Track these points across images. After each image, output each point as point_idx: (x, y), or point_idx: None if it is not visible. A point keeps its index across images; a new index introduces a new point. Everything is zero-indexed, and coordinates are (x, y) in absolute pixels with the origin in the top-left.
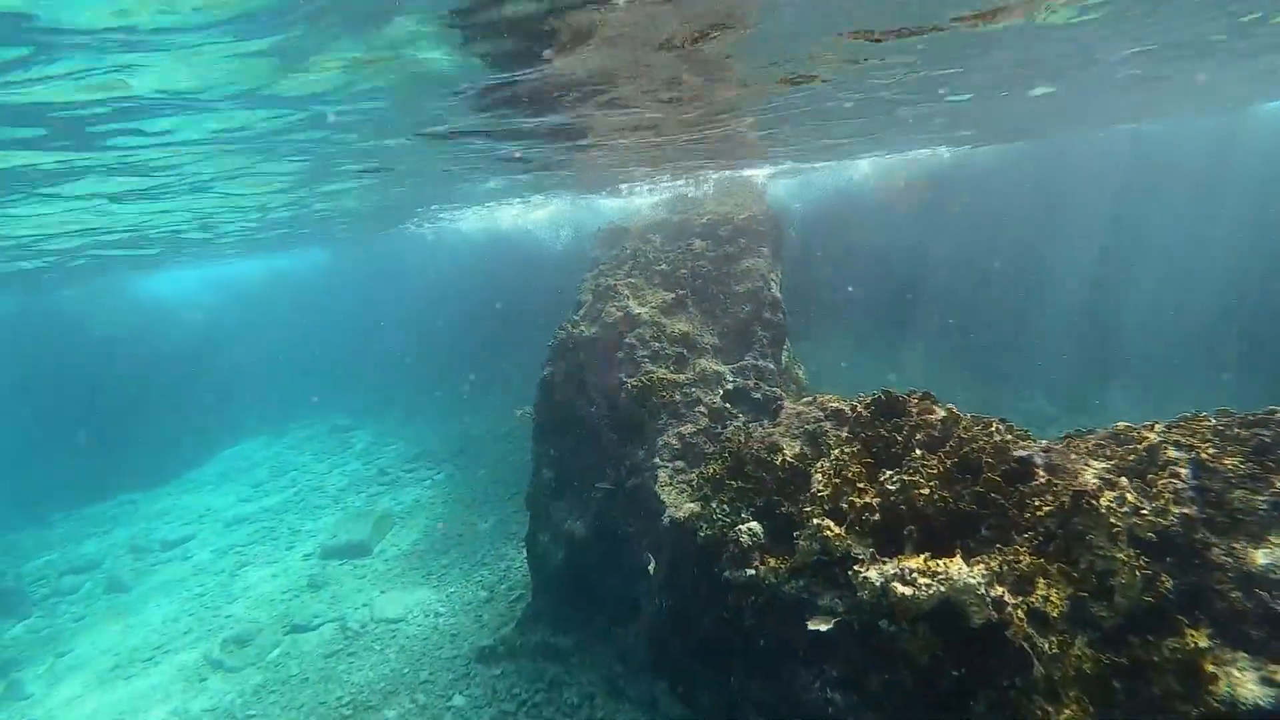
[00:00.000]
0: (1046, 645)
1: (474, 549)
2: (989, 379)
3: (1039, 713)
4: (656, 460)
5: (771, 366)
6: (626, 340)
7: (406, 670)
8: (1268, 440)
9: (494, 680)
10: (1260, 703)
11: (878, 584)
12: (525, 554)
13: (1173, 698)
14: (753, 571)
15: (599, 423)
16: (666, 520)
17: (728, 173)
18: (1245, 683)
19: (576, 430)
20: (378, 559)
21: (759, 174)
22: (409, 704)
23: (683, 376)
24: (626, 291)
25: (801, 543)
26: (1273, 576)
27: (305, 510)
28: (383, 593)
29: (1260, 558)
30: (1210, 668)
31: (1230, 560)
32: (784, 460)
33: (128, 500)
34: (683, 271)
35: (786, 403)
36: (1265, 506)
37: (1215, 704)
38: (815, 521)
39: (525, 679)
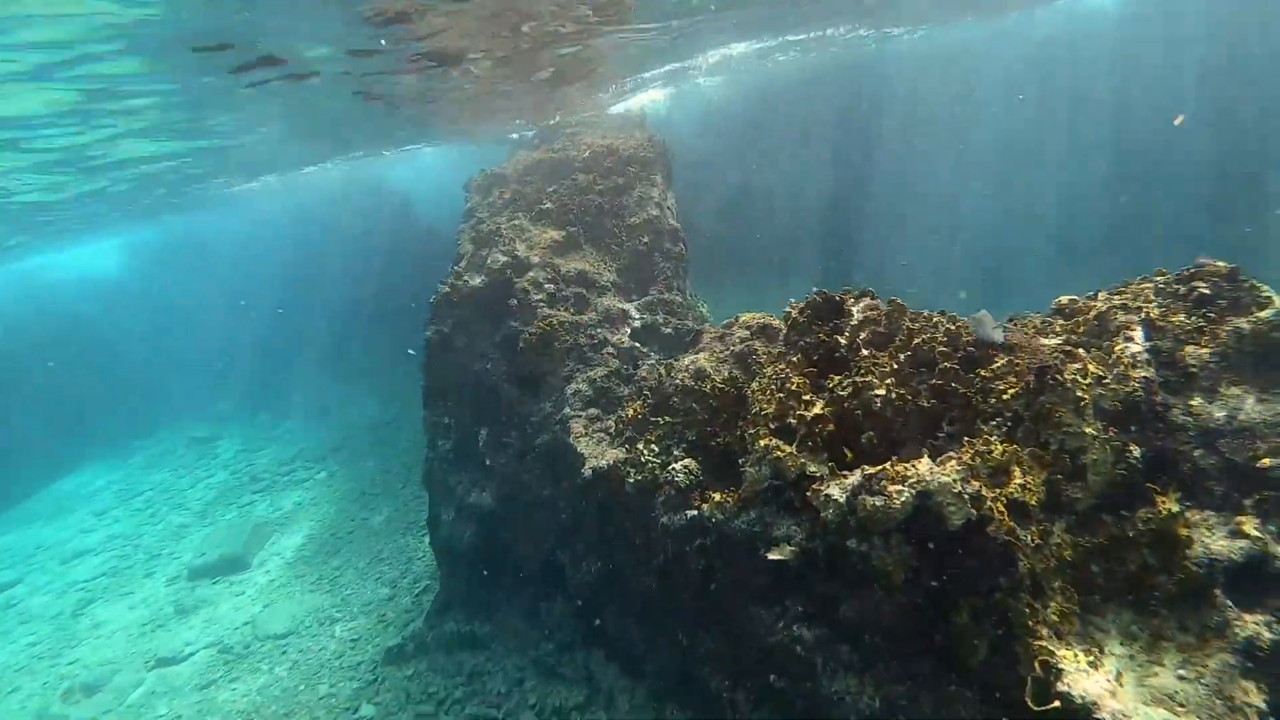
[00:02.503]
0: (1029, 538)
1: (369, 545)
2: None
3: (1026, 611)
4: (567, 411)
5: (679, 299)
6: (518, 286)
7: (302, 687)
8: (1207, 292)
9: (405, 682)
10: (1234, 556)
11: (842, 500)
12: (428, 540)
13: (1150, 571)
14: (694, 512)
15: (496, 379)
16: (588, 473)
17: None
18: (1217, 540)
19: (471, 391)
20: (257, 571)
21: (641, 99)
22: None
23: (585, 318)
24: (511, 234)
25: (749, 469)
26: (1230, 429)
27: (165, 532)
28: (266, 607)
29: (1216, 411)
30: (1183, 532)
31: (1190, 419)
32: (714, 386)
33: None
34: (570, 208)
35: (706, 328)
36: (1214, 359)
37: (1193, 568)
38: (763, 443)
39: (442, 675)
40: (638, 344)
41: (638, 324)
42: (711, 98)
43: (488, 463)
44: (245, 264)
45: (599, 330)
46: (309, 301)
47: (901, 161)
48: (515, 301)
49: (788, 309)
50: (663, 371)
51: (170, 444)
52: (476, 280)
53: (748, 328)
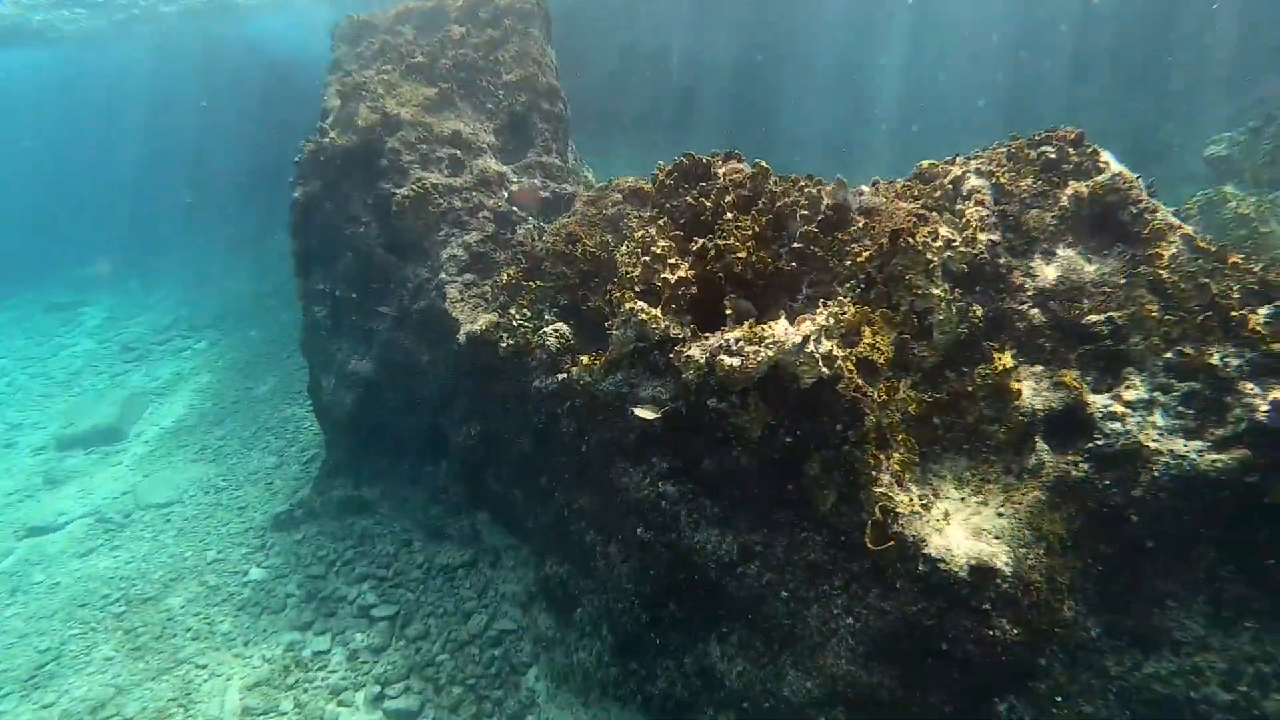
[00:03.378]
0: (875, 394)
1: (254, 415)
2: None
3: (871, 461)
4: (443, 276)
5: (558, 162)
6: (389, 145)
7: (189, 553)
8: (1053, 156)
9: (295, 546)
10: (1054, 405)
11: (702, 361)
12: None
13: (984, 422)
14: (565, 375)
15: (370, 244)
16: (463, 337)
17: None
18: (1041, 391)
19: (344, 256)
20: (135, 442)
21: None
22: (197, 588)
23: (460, 180)
24: (381, 90)
25: (615, 332)
26: (1061, 288)
27: (25, 401)
28: (146, 477)
29: (1051, 272)
30: (1015, 385)
31: (1029, 280)
32: (585, 250)
33: None
34: (444, 63)
35: (580, 191)
36: (1054, 222)
37: (1020, 418)
38: (628, 306)
39: (331, 539)
40: (516, 208)
41: (515, 187)
42: None
43: (366, 329)
44: (110, 114)
45: (475, 194)
46: (179, 163)
47: (807, 19)
48: (386, 162)
49: (656, 171)
50: (536, 235)
51: (24, 310)
52: (345, 138)
53: (620, 191)
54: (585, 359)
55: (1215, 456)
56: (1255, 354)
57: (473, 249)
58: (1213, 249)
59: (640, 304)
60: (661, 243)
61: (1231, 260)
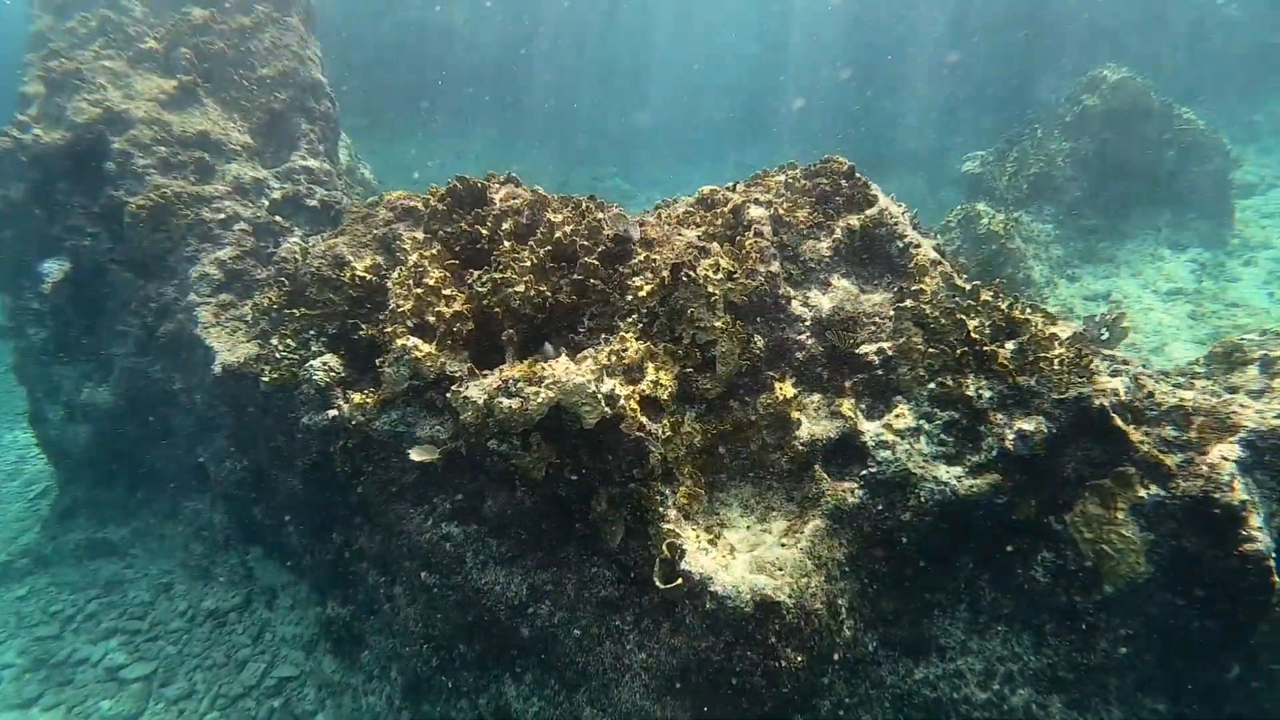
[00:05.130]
0: (660, 430)
1: None
2: (571, 161)
3: (657, 497)
4: (194, 297)
5: (326, 166)
6: (116, 147)
7: None
8: (827, 189)
9: (18, 604)
10: (831, 435)
11: (481, 403)
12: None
13: (767, 450)
14: (336, 412)
15: (101, 258)
16: (218, 369)
17: None
18: (820, 420)
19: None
20: None
21: None
22: None
23: (210, 189)
24: (103, 80)
25: (387, 370)
26: (837, 319)
27: None
28: None
29: (827, 303)
30: (795, 415)
31: (807, 311)
32: (354, 275)
33: None
34: (184, 51)
35: (350, 206)
36: (829, 253)
37: (800, 447)
38: (400, 343)
39: (70, 589)
40: (278, 218)
41: (277, 195)
42: None
43: (101, 354)
44: None
45: (229, 202)
46: None
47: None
48: (114, 167)
49: (427, 195)
50: (299, 256)
51: None
52: (56, 135)
53: (392, 209)
54: (357, 396)
55: (972, 481)
56: (1004, 386)
57: (227, 266)
58: (968, 286)
59: (413, 340)
60: (435, 273)
61: (984, 298)
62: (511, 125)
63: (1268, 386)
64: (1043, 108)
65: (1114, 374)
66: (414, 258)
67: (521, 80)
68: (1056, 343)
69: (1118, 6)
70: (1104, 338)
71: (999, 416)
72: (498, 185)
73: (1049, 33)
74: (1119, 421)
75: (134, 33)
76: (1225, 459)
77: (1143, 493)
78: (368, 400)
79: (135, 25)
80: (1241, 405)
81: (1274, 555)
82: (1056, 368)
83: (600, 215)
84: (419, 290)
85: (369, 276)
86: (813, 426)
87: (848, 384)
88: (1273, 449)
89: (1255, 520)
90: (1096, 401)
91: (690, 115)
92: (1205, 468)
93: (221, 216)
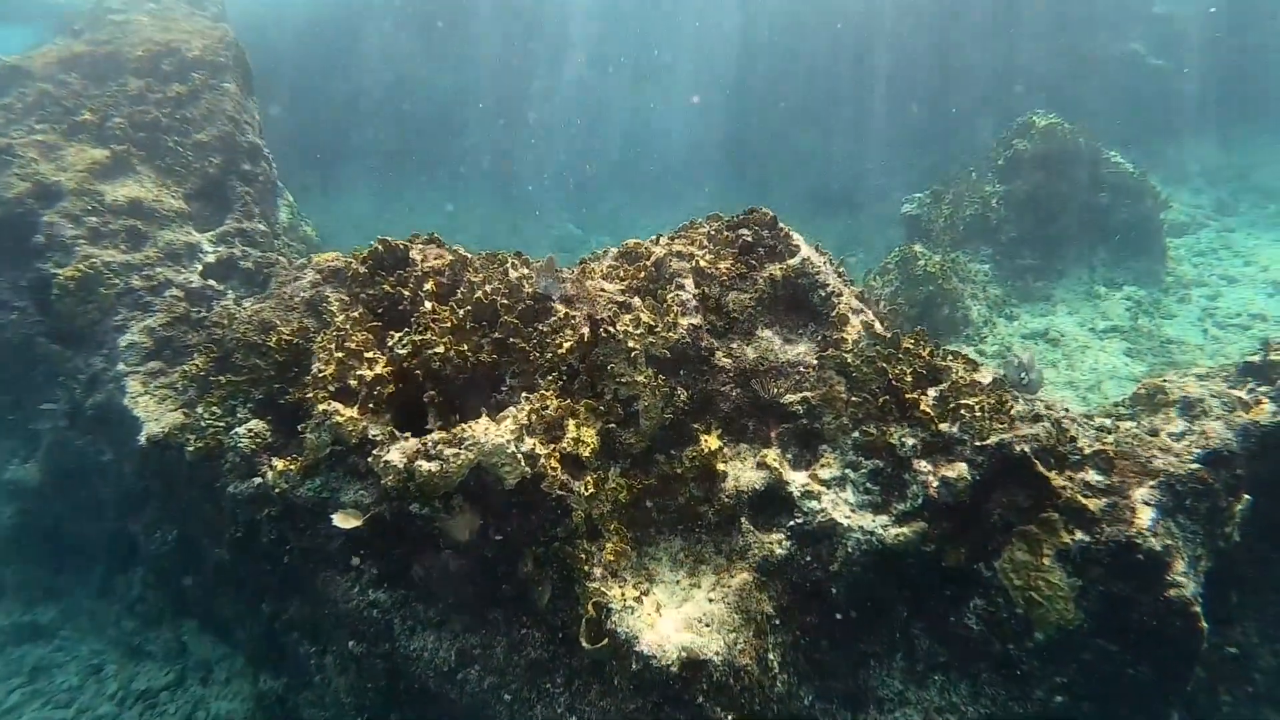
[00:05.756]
0: (583, 487)
1: None
2: (523, 209)
3: (583, 555)
4: (122, 366)
5: (262, 228)
6: (46, 220)
7: None
8: (749, 240)
9: None
10: (757, 486)
11: (401, 466)
12: None
13: (694, 503)
14: (260, 480)
15: (30, 331)
16: (144, 440)
17: None
18: (746, 471)
19: None
20: None
21: None
22: None
23: (141, 256)
24: (35, 154)
25: (309, 435)
26: (761, 369)
27: None
28: None
29: (751, 353)
30: (721, 467)
31: (731, 362)
32: (280, 340)
33: None
34: (119, 121)
35: (279, 268)
36: (753, 304)
37: (727, 499)
38: (321, 408)
39: None
40: (212, 282)
41: (211, 259)
42: None
43: (27, 430)
44: None
45: (160, 269)
46: None
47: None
48: (42, 239)
49: (350, 258)
50: (227, 320)
51: None
52: None
53: (319, 271)
54: (281, 463)
55: (898, 530)
56: (927, 434)
57: (157, 334)
58: (888, 335)
59: (335, 405)
60: (357, 336)
61: (905, 345)
62: (465, 177)
63: (1188, 429)
64: (978, 152)
65: (1035, 419)
66: (339, 320)
67: (474, 131)
68: (978, 389)
69: (1050, 57)
70: (1024, 382)
71: (923, 464)
72: (420, 246)
73: (986, 81)
74: (1041, 467)
75: (71, 105)
76: (1147, 504)
77: (1068, 539)
78: (291, 467)
79: (74, 97)
80: (1162, 449)
81: (1200, 600)
82: (978, 414)
83: (523, 272)
84: (340, 354)
85: (295, 340)
86: (739, 478)
87: (773, 434)
88: (1193, 493)
89: (1180, 565)
90: (1018, 448)
91: (645, 158)
92: (1128, 513)
93: (153, 283)
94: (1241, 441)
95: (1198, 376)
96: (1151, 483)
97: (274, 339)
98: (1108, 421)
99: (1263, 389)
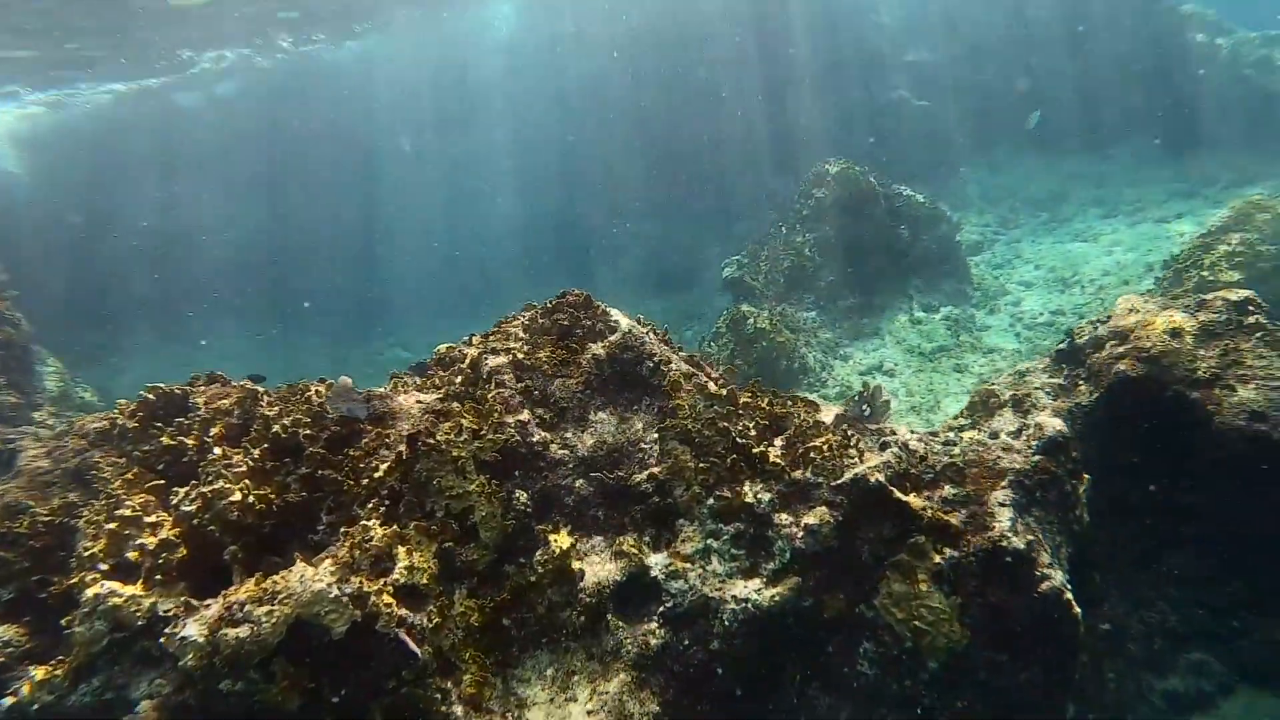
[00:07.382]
0: (425, 620)
1: None
2: (348, 339)
3: (437, 695)
4: None
5: (11, 399)
6: None
7: None
8: (566, 324)
9: None
10: (618, 577)
11: (202, 640)
12: None
13: (555, 609)
14: (14, 700)
15: None
16: None
17: None
18: (604, 564)
19: None
20: None
21: None
22: None
23: None
24: None
25: (78, 630)
26: (601, 454)
27: None
28: None
29: (588, 439)
30: (576, 565)
31: (567, 453)
32: (35, 523)
33: None
34: None
35: (27, 442)
36: (580, 388)
37: (588, 598)
38: (92, 592)
39: None
40: None
41: None
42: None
43: None
44: None
45: None
46: None
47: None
48: None
49: (116, 412)
50: None
51: None
52: None
53: (83, 435)
54: (41, 671)
55: (773, 591)
56: (781, 485)
57: None
58: (724, 393)
59: (109, 585)
60: (134, 500)
61: (743, 400)
62: (281, 317)
63: (1023, 424)
64: (783, 207)
65: (883, 446)
66: (114, 485)
67: (285, 270)
68: (822, 429)
69: (829, 110)
70: (866, 413)
71: (784, 516)
72: (202, 388)
73: (779, 138)
74: (899, 493)
75: None
76: (1003, 505)
77: (938, 558)
78: (56, 673)
79: None
80: (1004, 449)
81: (1069, 586)
82: (826, 454)
83: (325, 395)
84: (114, 525)
85: (56, 519)
86: (598, 572)
87: (626, 519)
88: (1040, 484)
89: (1045, 557)
90: (872, 478)
91: (463, 269)
92: (988, 519)
93: None
94: (1071, 424)
95: (1020, 374)
96: (1003, 484)
97: (25, 523)
98: (951, 435)
99: (1078, 372)
